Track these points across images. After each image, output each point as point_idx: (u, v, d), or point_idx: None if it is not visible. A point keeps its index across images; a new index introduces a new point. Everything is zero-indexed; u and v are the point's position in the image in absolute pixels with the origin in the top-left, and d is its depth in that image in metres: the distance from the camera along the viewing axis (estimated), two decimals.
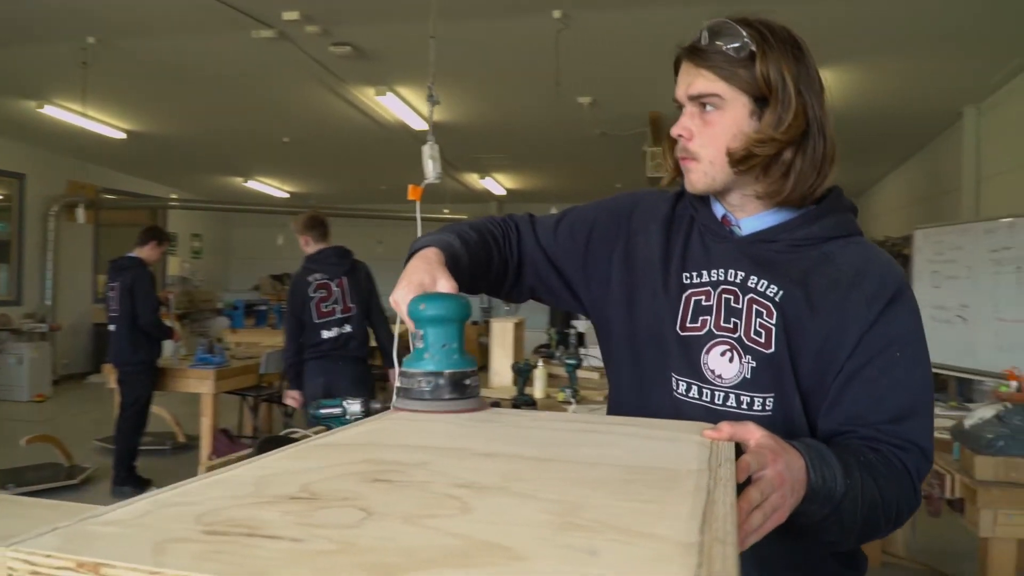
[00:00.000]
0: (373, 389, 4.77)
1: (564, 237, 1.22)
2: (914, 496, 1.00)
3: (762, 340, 1.03)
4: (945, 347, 4.71)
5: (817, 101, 1.05)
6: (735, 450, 0.78)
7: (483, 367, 2.37)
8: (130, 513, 0.50)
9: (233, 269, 14.72)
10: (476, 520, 0.50)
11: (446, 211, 11.39)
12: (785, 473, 0.83)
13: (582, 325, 6.16)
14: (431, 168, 2.57)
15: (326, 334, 4.16)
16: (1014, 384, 3.28)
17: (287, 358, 4.31)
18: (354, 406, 2.18)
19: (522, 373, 3.50)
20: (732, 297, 1.07)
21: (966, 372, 4.69)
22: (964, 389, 4.95)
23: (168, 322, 5.23)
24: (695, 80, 1.05)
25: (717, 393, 1.05)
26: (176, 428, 6.35)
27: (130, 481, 4.83)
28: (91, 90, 6.66)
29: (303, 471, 0.62)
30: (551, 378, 3.83)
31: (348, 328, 4.20)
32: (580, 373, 3.80)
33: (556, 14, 5.02)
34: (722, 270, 1.09)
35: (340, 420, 2.16)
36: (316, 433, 2.27)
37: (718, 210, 1.14)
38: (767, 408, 1.03)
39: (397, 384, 0.90)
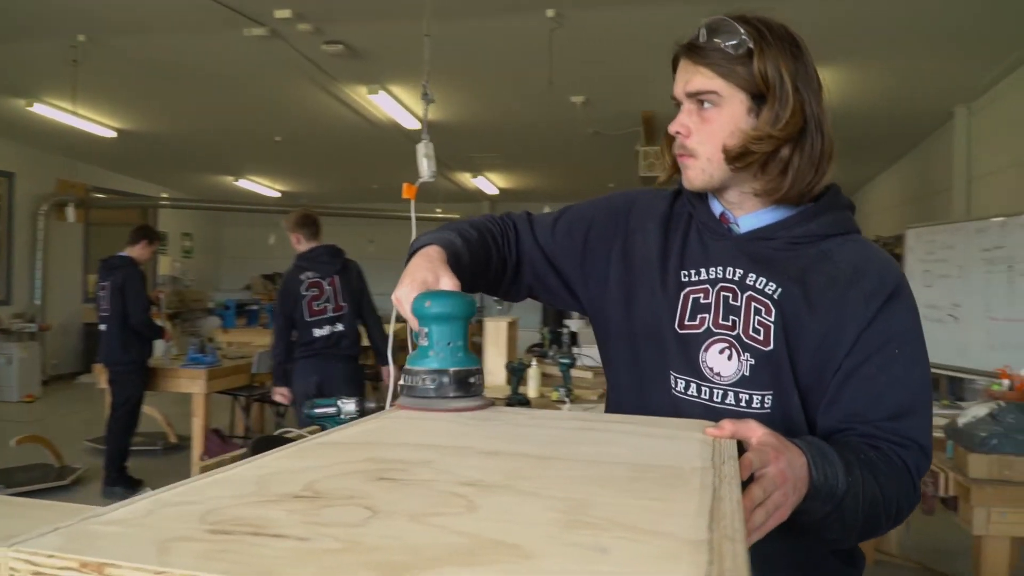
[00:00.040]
0: (364, 388, 4.78)
1: (562, 236, 1.22)
2: (914, 493, 1.00)
3: (761, 338, 1.03)
4: (937, 346, 4.73)
5: (815, 98, 1.05)
6: (736, 448, 0.78)
7: None
8: (132, 512, 0.50)
9: (224, 268, 14.67)
10: (482, 518, 0.50)
11: (438, 210, 11.38)
12: (787, 471, 0.83)
13: (575, 324, 6.17)
14: (426, 166, 2.57)
15: (318, 332, 4.17)
16: (1006, 382, 3.30)
17: (276, 356, 4.32)
18: (349, 405, 2.17)
19: (516, 372, 3.50)
20: (730, 295, 1.06)
21: (958, 371, 4.72)
22: (956, 388, 4.98)
23: (159, 322, 5.21)
24: (693, 77, 1.05)
25: (716, 391, 1.05)
26: (167, 428, 6.32)
27: (121, 482, 4.80)
28: (81, 88, 6.62)
29: (305, 469, 0.61)
30: (544, 377, 3.83)
31: (340, 327, 4.21)
32: (574, 372, 3.80)
33: (549, 13, 5.02)
34: (720, 268, 1.09)
35: (335, 419, 2.15)
36: (311, 433, 2.27)
37: (716, 208, 1.14)
38: (766, 406, 1.03)
39: (401, 382, 0.89)
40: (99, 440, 5.43)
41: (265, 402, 5.98)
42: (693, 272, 1.10)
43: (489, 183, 12.06)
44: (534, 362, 3.76)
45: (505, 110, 7.66)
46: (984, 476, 2.29)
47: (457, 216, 7.13)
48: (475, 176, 11.40)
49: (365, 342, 4.56)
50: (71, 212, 9.63)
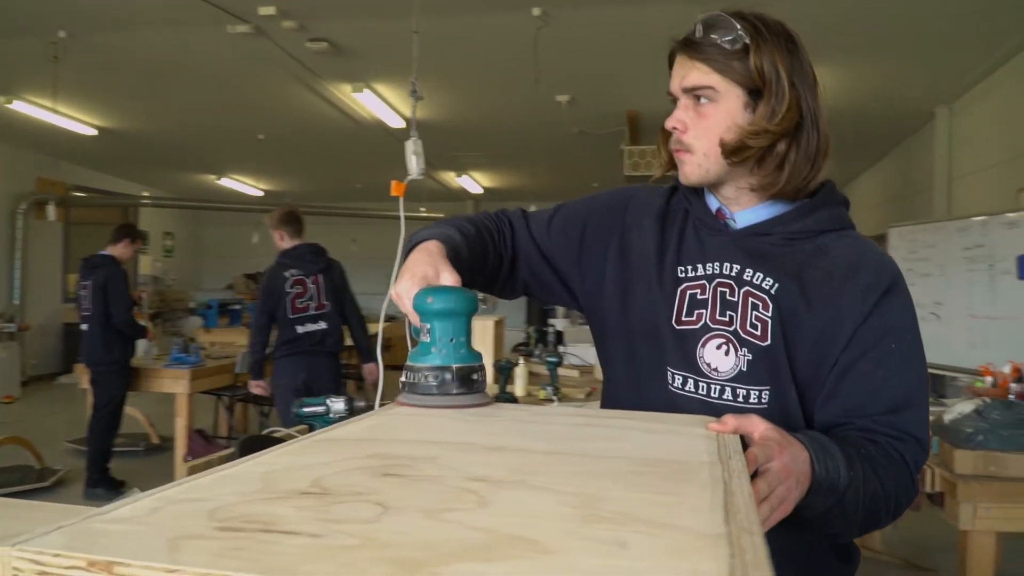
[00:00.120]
0: (343, 385, 4.82)
1: (558, 232, 1.21)
2: (912, 487, 1.00)
3: (758, 333, 1.03)
4: None
5: (811, 94, 1.05)
6: (740, 443, 0.78)
7: None
8: (137, 510, 0.48)
9: (206, 268, 14.56)
10: (496, 514, 0.49)
11: (423, 209, 11.35)
12: (791, 465, 0.83)
13: (560, 323, 6.18)
14: (414, 164, 2.55)
15: (301, 329, 4.19)
16: (989, 379, 3.33)
17: (255, 351, 4.35)
18: (338, 404, 2.16)
19: (504, 371, 3.49)
20: (728, 290, 1.06)
21: (940, 368, 4.76)
22: (937, 385, 5.03)
23: (141, 321, 5.16)
24: (689, 72, 1.05)
25: (713, 386, 1.05)
26: (150, 429, 6.26)
27: (103, 483, 4.74)
28: (62, 85, 6.55)
29: (310, 466, 0.60)
30: (531, 376, 3.83)
31: (323, 324, 4.24)
32: (560, 371, 3.80)
33: (536, 11, 5.02)
34: (717, 263, 1.09)
35: (324, 419, 2.14)
36: (299, 432, 2.25)
37: (712, 203, 1.14)
38: (763, 401, 1.03)
39: (401, 379, 0.88)
40: (80, 441, 5.36)
41: (249, 402, 5.94)
42: (690, 268, 1.10)
43: (473, 182, 12.05)
44: (521, 361, 3.76)
45: (490, 109, 7.65)
46: (970, 472, 2.30)
47: (442, 215, 7.11)
48: (459, 175, 11.38)
49: (347, 341, 4.57)
50: (52, 211, 9.52)
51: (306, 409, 2.14)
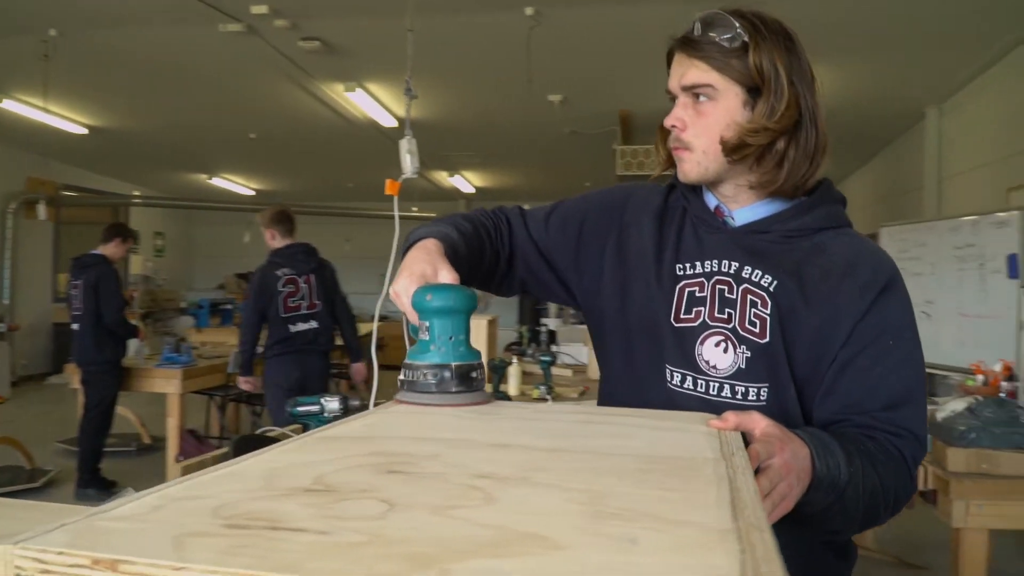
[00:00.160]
0: (331, 384, 4.85)
1: (555, 230, 1.21)
2: (910, 483, 1.01)
3: (757, 330, 1.03)
4: None
5: (809, 92, 1.05)
6: (742, 439, 0.78)
7: None
8: (140, 508, 0.48)
9: (197, 268, 14.50)
10: (503, 510, 0.49)
11: (415, 209, 11.34)
12: (792, 462, 0.83)
13: (553, 323, 6.17)
14: (409, 162, 2.54)
15: (293, 328, 4.21)
16: (980, 378, 3.35)
17: (245, 349, 4.37)
18: (332, 403, 2.15)
19: (497, 371, 3.48)
20: (726, 288, 1.06)
21: (930, 367, 4.78)
22: (928, 383, 5.05)
23: (133, 321, 5.13)
24: (688, 71, 1.05)
25: (712, 384, 1.05)
26: (141, 429, 6.23)
27: (94, 483, 4.71)
28: (52, 84, 6.51)
29: (312, 463, 0.60)
30: (524, 375, 3.82)
31: (315, 323, 4.26)
32: (554, 370, 3.79)
33: (528, 11, 5.01)
34: (715, 261, 1.09)
35: (318, 418, 2.13)
36: (293, 431, 2.24)
37: (711, 201, 1.14)
38: (762, 398, 1.03)
39: (400, 377, 0.88)
40: (71, 441, 5.33)
41: (241, 402, 5.92)
42: (688, 265, 1.10)
43: (465, 181, 12.03)
44: (515, 360, 3.75)
45: (483, 108, 7.64)
46: (963, 469, 2.32)
47: (434, 215, 7.11)
48: (451, 175, 11.37)
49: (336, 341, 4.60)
50: (42, 210, 9.45)
51: (300, 408, 2.13)
